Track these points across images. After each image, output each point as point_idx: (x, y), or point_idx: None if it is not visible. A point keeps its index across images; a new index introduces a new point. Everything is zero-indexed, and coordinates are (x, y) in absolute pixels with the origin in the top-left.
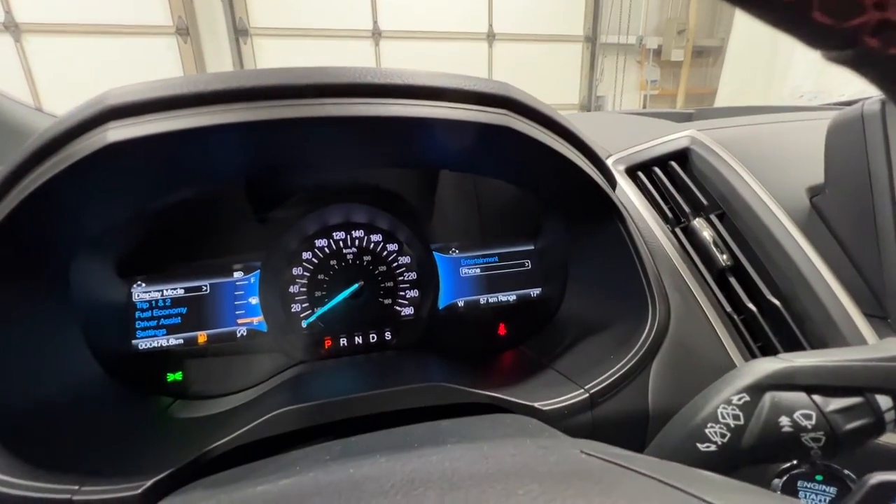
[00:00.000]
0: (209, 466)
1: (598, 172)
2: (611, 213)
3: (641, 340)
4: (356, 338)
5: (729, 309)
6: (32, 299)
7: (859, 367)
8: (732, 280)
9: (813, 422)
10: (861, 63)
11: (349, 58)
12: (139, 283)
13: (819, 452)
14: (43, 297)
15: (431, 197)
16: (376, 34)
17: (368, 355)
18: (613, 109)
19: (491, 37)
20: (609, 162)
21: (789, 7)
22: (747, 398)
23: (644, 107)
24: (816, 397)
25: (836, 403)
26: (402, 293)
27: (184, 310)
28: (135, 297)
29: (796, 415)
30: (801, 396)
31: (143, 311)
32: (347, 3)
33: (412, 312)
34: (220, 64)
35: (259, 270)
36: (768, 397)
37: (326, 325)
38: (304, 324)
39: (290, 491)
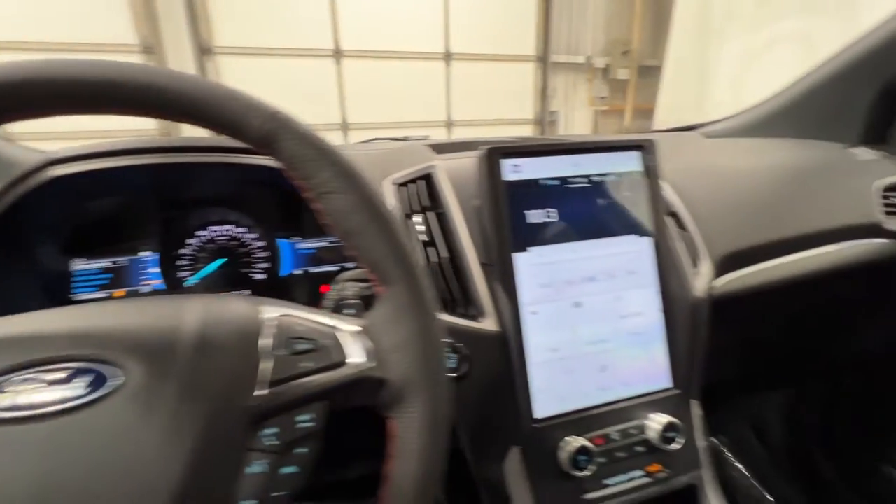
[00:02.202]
0: None
1: None
2: None
3: None
4: (224, 294)
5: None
6: (19, 268)
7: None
8: (429, 249)
9: None
10: None
11: (313, 77)
12: (78, 257)
13: None
14: (22, 266)
15: (282, 205)
16: (338, 53)
17: None
18: (565, 124)
19: (448, 57)
20: (387, 180)
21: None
22: None
23: (595, 121)
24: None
25: None
26: (255, 265)
27: (111, 275)
28: (74, 267)
29: None
30: None
31: (79, 276)
32: (309, 24)
33: (265, 277)
34: None
35: (160, 251)
36: None
37: (206, 285)
38: (186, 283)
39: None
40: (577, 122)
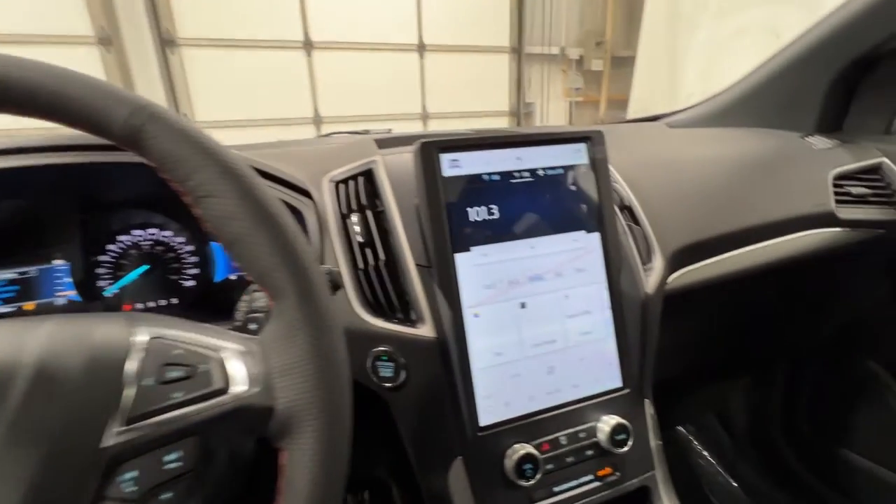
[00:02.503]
0: None
1: (286, 190)
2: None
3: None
4: (149, 303)
5: (361, 266)
6: None
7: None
8: (367, 251)
9: None
10: None
11: (283, 69)
12: None
13: None
14: None
15: None
16: (308, 45)
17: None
18: (541, 115)
19: (422, 48)
20: (326, 178)
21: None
22: None
23: (570, 112)
24: None
25: None
26: (185, 271)
27: (18, 287)
28: None
29: None
30: None
31: None
32: (277, 14)
33: (195, 284)
34: (147, 76)
35: (75, 259)
36: None
37: (126, 294)
38: (104, 293)
39: None
40: (552, 114)
